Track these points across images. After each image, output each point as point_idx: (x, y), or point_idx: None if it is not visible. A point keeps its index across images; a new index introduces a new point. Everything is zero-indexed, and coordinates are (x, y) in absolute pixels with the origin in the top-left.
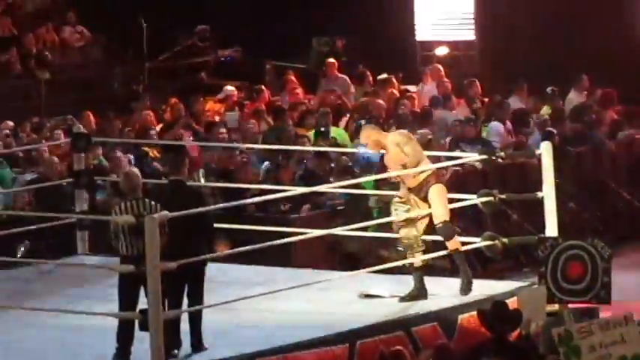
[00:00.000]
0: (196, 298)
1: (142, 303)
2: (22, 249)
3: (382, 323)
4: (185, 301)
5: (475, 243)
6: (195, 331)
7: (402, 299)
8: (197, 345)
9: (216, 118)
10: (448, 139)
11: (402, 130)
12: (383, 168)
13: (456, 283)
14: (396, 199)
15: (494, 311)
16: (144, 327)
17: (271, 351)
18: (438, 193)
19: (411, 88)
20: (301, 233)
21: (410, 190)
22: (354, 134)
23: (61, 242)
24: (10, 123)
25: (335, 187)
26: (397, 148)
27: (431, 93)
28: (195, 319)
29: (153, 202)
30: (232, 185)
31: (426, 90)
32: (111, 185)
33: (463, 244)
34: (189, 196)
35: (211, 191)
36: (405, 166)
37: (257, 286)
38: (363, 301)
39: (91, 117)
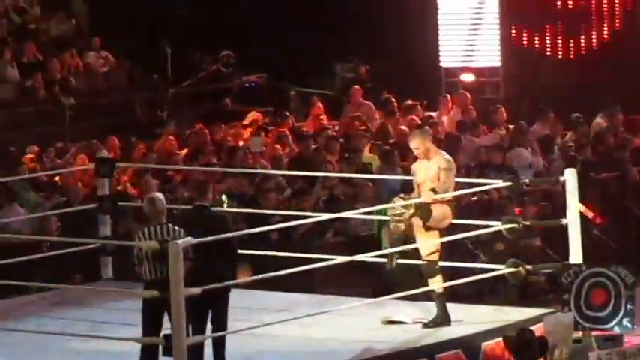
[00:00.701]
0: (220, 323)
1: (166, 328)
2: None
3: (406, 350)
4: (209, 326)
5: (499, 270)
6: (219, 356)
7: (426, 325)
8: None
9: (240, 144)
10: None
11: (449, 157)
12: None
13: (480, 309)
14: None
15: (520, 338)
16: (167, 352)
17: None
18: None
19: (435, 114)
20: (325, 259)
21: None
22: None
23: (85, 268)
24: (35, 148)
25: (358, 214)
26: (438, 170)
27: (455, 119)
28: (219, 345)
29: (177, 228)
30: (255, 211)
31: (450, 116)
32: (134, 210)
33: (487, 270)
34: (214, 222)
35: (234, 217)
36: (433, 191)
37: (280, 312)
38: (386, 327)
39: (116, 142)
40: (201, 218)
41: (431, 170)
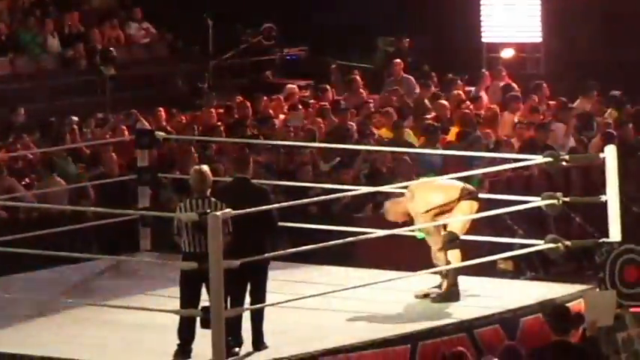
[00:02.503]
0: (258, 296)
1: (204, 300)
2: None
3: (444, 325)
4: (247, 299)
5: (538, 245)
6: (257, 329)
7: (434, 299)
8: (258, 343)
9: (280, 117)
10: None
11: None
12: (444, 170)
13: (519, 284)
14: None
15: (557, 314)
16: (205, 324)
17: (332, 350)
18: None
19: (474, 89)
20: (364, 233)
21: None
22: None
23: (123, 239)
24: (75, 118)
25: (397, 187)
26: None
27: (496, 95)
28: (257, 318)
29: (218, 202)
30: (296, 184)
31: (490, 92)
32: (174, 182)
33: (526, 246)
34: (255, 194)
35: (273, 190)
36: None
37: (319, 286)
38: (425, 302)
39: (163, 113)
40: (242, 190)
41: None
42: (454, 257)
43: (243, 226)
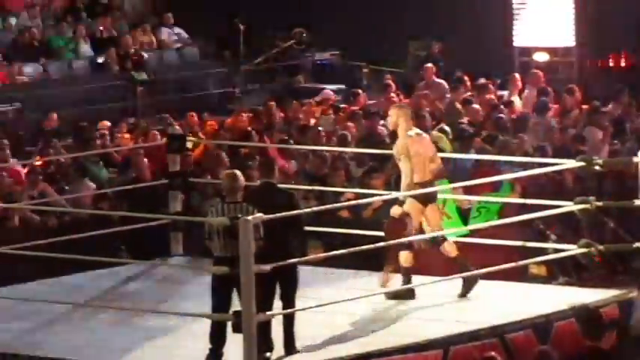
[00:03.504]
0: (289, 300)
1: (235, 305)
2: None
3: (476, 330)
4: (279, 303)
5: (571, 250)
6: (288, 333)
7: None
8: (289, 347)
9: (312, 122)
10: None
11: (414, 142)
12: (474, 174)
13: (552, 289)
14: None
15: (590, 319)
16: (237, 329)
17: (364, 355)
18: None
19: (507, 93)
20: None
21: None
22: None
23: (154, 243)
24: (107, 123)
25: (426, 191)
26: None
27: (530, 99)
28: (288, 322)
29: (250, 207)
30: (327, 189)
31: (525, 96)
32: (205, 187)
33: (559, 250)
34: (281, 198)
35: (304, 195)
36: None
37: (350, 290)
38: (457, 306)
39: (195, 118)
40: (268, 195)
41: (395, 149)
42: (404, 257)
43: (271, 230)
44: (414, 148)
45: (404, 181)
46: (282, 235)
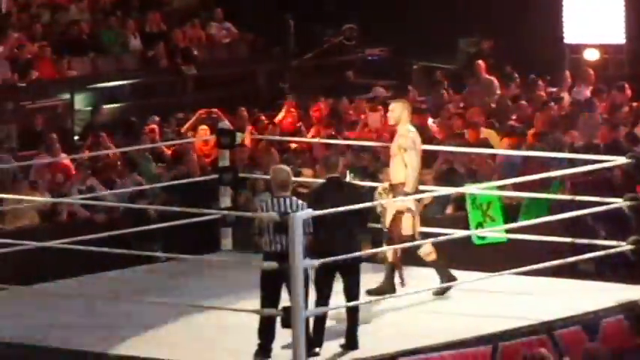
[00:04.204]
0: (352, 294)
1: (284, 300)
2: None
3: (525, 326)
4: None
5: (620, 247)
6: (350, 328)
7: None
8: (349, 343)
9: (362, 118)
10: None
11: (414, 136)
12: (524, 171)
13: (601, 286)
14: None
15: (639, 315)
16: (286, 324)
17: (412, 351)
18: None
19: (558, 90)
20: (444, 233)
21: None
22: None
23: (204, 239)
24: (156, 118)
25: (477, 189)
26: (398, 146)
27: (580, 96)
28: (352, 317)
29: (300, 201)
30: (376, 184)
31: (575, 93)
32: (255, 182)
33: (608, 247)
34: (352, 193)
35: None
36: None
37: (399, 286)
38: (506, 303)
39: (245, 113)
40: (337, 190)
41: (394, 143)
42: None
43: (336, 224)
44: (418, 142)
45: (395, 177)
46: (348, 229)
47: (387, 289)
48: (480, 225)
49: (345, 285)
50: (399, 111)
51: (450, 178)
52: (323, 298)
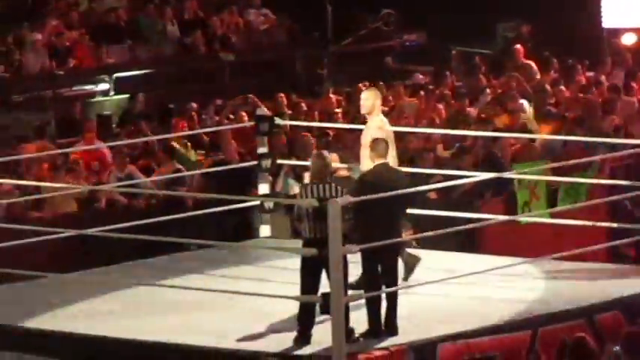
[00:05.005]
0: (390, 279)
1: (324, 286)
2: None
3: (564, 311)
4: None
5: None
6: (388, 313)
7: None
8: (388, 328)
9: (400, 104)
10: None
11: (384, 126)
12: (564, 155)
13: (639, 270)
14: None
15: None
16: (325, 310)
17: (452, 336)
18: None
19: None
20: (484, 219)
21: None
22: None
23: (243, 225)
24: (194, 105)
25: (517, 174)
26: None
27: (616, 81)
28: (391, 301)
29: (339, 187)
30: (418, 170)
31: (612, 78)
32: (293, 169)
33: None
34: (401, 178)
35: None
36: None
37: (439, 271)
38: (545, 287)
39: (284, 99)
40: (388, 175)
41: (367, 132)
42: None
43: (383, 210)
44: (391, 134)
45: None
46: (393, 214)
47: (413, 261)
48: (526, 204)
49: (382, 269)
50: (371, 100)
51: (490, 163)
52: (376, 281)
